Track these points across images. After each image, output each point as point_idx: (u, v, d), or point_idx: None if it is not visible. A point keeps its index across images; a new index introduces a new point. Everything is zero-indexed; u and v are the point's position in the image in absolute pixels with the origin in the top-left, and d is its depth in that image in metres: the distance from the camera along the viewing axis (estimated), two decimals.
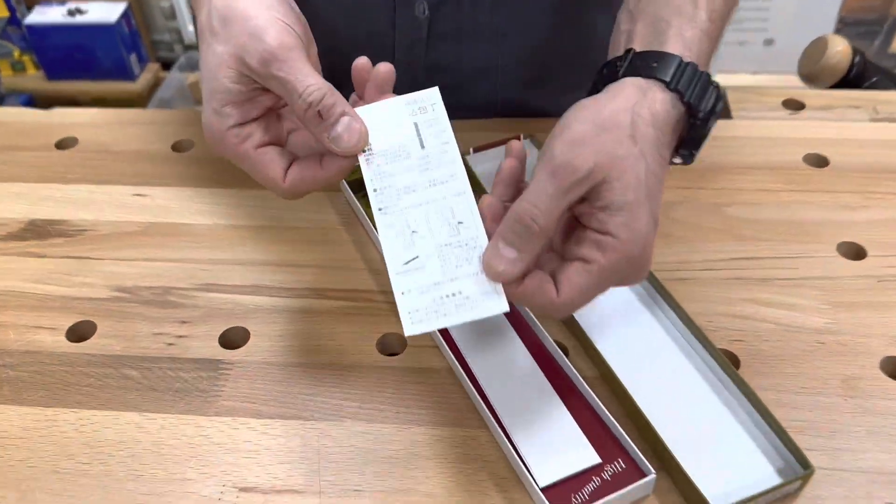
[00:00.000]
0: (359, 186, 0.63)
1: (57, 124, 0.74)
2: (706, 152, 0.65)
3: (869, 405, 0.48)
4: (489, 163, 0.65)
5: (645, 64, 0.44)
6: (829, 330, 0.52)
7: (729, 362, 0.49)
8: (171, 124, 0.73)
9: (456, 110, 0.69)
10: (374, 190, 0.43)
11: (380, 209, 0.42)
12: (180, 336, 0.54)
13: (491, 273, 0.40)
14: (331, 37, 0.66)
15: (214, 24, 0.44)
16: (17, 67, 2.19)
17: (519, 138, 0.65)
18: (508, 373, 0.49)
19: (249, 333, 0.54)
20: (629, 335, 0.52)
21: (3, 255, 0.61)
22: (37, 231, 0.63)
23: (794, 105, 0.71)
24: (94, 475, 0.46)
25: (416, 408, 0.49)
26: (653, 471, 0.43)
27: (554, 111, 0.71)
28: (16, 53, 2.17)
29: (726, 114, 0.72)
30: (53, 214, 0.64)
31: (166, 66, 2.32)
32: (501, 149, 0.65)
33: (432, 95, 0.45)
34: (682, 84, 0.43)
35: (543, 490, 0.43)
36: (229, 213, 0.63)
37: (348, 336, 0.54)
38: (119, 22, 2.07)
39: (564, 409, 0.47)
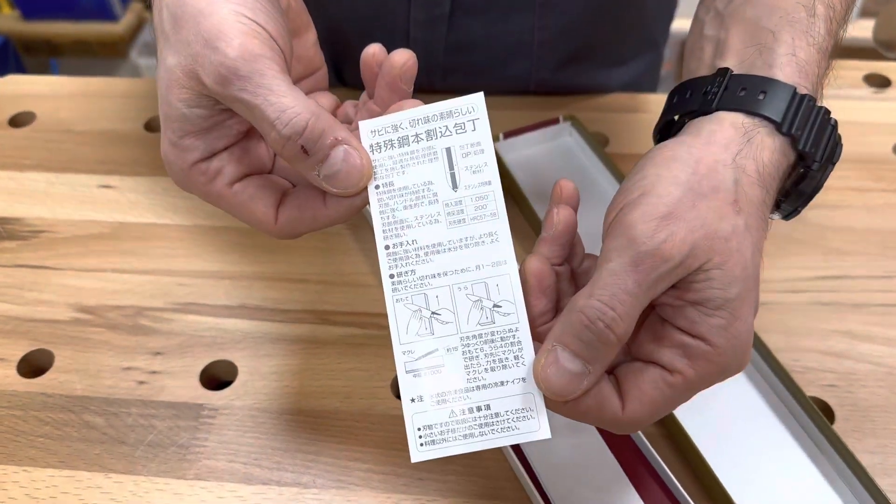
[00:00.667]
0: None
1: (10, 95, 0.63)
2: None
3: None
4: (519, 151, 0.55)
5: (748, 95, 0.32)
6: None
7: (821, 414, 0.40)
8: (146, 97, 0.62)
9: (483, 90, 0.59)
10: (386, 247, 0.32)
11: (391, 276, 0.31)
12: (154, 372, 0.45)
13: (547, 390, 0.29)
14: (335, 15, 0.56)
15: (166, 26, 0.32)
16: None
17: (558, 121, 0.55)
18: (561, 436, 0.40)
19: (237, 369, 0.45)
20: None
21: None
22: None
23: (878, 81, 0.60)
24: None
25: (441, 473, 0.40)
26: None
27: (594, 88, 0.60)
28: None
29: None
30: (5, 210, 0.54)
31: (150, 5, 2.17)
32: (535, 133, 0.55)
33: (475, 104, 0.33)
34: (798, 125, 0.31)
35: None
36: (213, 211, 0.53)
37: (357, 374, 0.44)
38: None
39: (631, 487, 0.38)
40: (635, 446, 0.39)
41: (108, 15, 2.00)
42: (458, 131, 0.32)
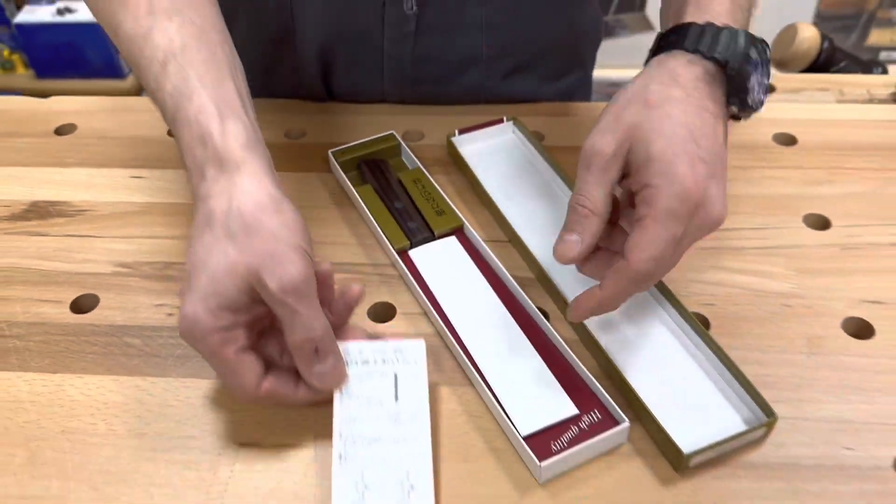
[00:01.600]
0: (349, 166, 0.65)
1: (55, 111, 0.76)
2: None
3: (830, 361, 0.51)
4: (473, 144, 0.68)
5: (666, 42, 0.49)
6: (794, 294, 0.55)
7: (700, 324, 0.52)
8: None
9: (442, 98, 0.73)
10: (340, 434, 0.44)
11: (340, 456, 0.44)
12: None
13: (561, 257, 0.46)
14: (323, 32, 0.69)
15: (233, 226, 0.43)
16: (7, 66, 2.20)
17: (503, 120, 0.68)
18: (494, 336, 0.52)
19: None
20: None
21: (6, 234, 0.63)
22: (39, 212, 0.65)
23: None
24: (101, 434, 0.49)
25: None
26: (626, 419, 0.46)
27: (538, 98, 0.74)
28: (5, 52, 2.18)
29: None
30: (54, 196, 0.67)
31: None
32: (484, 130, 0.68)
33: (418, 349, 0.47)
34: (703, 44, 0.47)
35: (525, 439, 0.45)
36: None
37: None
38: None
39: (545, 366, 0.50)
40: (552, 344, 0.51)
41: (115, 73, 2.16)
42: (405, 364, 0.47)
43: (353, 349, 0.47)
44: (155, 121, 0.74)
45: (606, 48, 0.82)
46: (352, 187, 0.63)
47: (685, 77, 0.47)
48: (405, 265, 0.57)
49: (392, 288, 0.57)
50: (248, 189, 0.44)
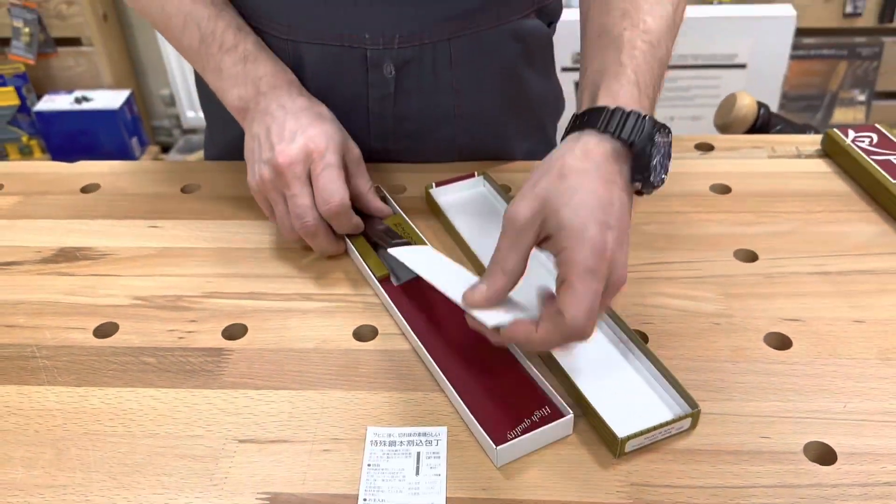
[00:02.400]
0: None
1: (81, 173, 0.87)
2: None
3: (752, 368, 0.59)
4: (448, 196, 0.77)
5: (578, 122, 0.55)
6: (722, 314, 0.64)
7: (639, 338, 0.60)
8: (180, 172, 0.86)
9: (421, 153, 0.83)
10: (364, 500, 0.51)
11: None
12: (190, 331, 0.65)
13: (468, 299, 0.53)
14: (318, 92, 0.80)
15: (326, 117, 0.71)
16: (25, 151, 2.34)
17: (474, 175, 0.78)
18: (460, 349, 0.60)
19: (247, 328, 0.65)
20: None
21: (38, 274, 0.72)
22: (66, 256, 0.74)
23: (705, 147, 0.84)
24: (120, 434, 0.57)
25: (384, 378, 0.60)
26: (570, 412, 0.54)
27: (506, 153, 0.84)
28: (24, 138, 2.33)
29: None
30: (80, 243, 0.76)
31: (165, 149, 2.48)
32: (458, 184, 0.78)
33: (441, 433, 0.55)
34: (610, 125, 0.53)
35: (484, 428, 0.53)
36: (231, 240, 0.75)
37: (330, 328, 0.65)
38: (122, 108, 2.23)
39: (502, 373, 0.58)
40: (509, 353, 0.59)
41: (127, 157, 2.29)
42: (427, 444, 0.55)
43: (382, 433, 0.55)
44: (169, 180, 0.84)
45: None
46: (348, 241, 0.72)
47: (595, 152, 0.52)
48: (385, 291, 0.65)
49: (374, 313, 0.66)
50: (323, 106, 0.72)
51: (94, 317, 0.67)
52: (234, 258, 0.73)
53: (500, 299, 0.53)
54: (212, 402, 0.59)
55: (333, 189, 0.65)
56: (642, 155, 0.53)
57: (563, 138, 0.57)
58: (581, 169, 0.52)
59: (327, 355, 0.62)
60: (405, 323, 0.63)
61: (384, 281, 0.67)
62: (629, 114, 0.53)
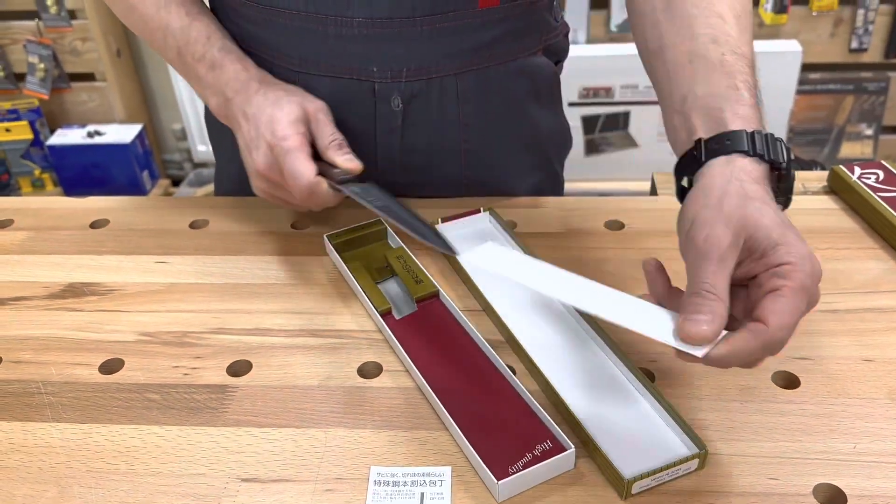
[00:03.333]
0: (343, 248, 0.75)
1: (91, 209, 0.87)
2: (635, 220, 0.79)
3: (760, 408, 0.59)
4: (455, 231, 0.77)
5: (720, 146, 0.53)
6: None
7: (644, 375, 0.60)
8: (189, 207, 0.86)
9: (427, 187, 0.83)
10: None
11: None
12: (194, 367, 0.65)
13: (695, 336, 0.47)
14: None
15: (279, 92, 0.71)
16: (37, 184, 2.37)
17: (479, 211, 0.78)
18: (461, 383, 0.60)
19: (252, 365, 0.65)
20: (569, 359, 0.63)
21: (46, 309, 0.72)
22: (74, 291, 0.75)
23: None
24: (122, 472, 0.56)
25: (388, 416, 0.60)
26: (571, 446, 0.53)
27: (514, 190, 0.85)
28: (36, 172, 2.35)
29: (653, 191, 0.86)
30: (88, 278, 0.76)
31: (176, 182, 2.50)
32: (465, 219, 0.78)
33: (444, 474, 0.54)
34: (758, 148, 0.52)
35: (486, 463, 0.53)
36: (237, 276, 0.75)
37: (334, 364, 0.64)
38: (134, 142, 2.26)
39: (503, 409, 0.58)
40: (515, 392, 0.59)
41: (139, 191, 2.31)
42: (431, 484, 0.55)
43: (385, 472, 0.55)
44: (177, 215, 0.85)
45: (594, 162, 0.94)
46: (343, 264, 0.72)
47: (757, 175, 0.52)
48: (387, 326, 0.66)
49: (379, 350, 0.66)
50: (283, 82, 0.74)
51: (99, 353, 0.67)
52: (240, 294, 0.73)
53: (722, 327, 0.48)
54: (215, 440, 0.59)
55: (297, 172, 0.67)
56: (789, 176, 0.54)
57: (704, 159, 0.54)
58: (759, 191, 0.51)
59: (331, 393, 0.62)
60: (407, 358, 0.62)
61: (386, 315, 0.67)
62: (768, 136, 0.53)
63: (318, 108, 0.70)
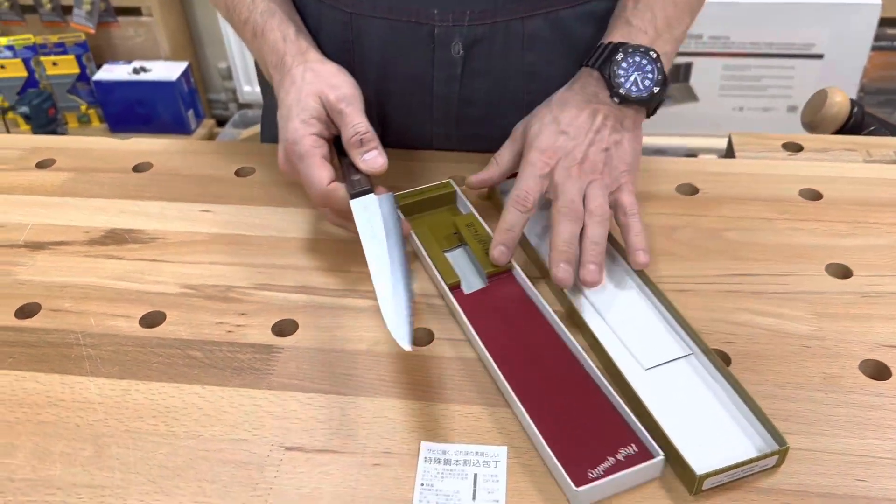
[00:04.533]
0: (409, 210, 0.70)
1: (134, 151, 0.84)
2: (709, 185, 0.73)
3: (846, 399, 0.54)
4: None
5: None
6: (814, 336, 0.58)
7: (719, 359, 0.55)
8: (235, 154, 0.83)
9: (484, 141, 0.78)
10: None
11: None
12: (239, 325, 0.62)
13: (468, 183, 0.71)
14: (380, 75, 0.76)
15: (308, 75, 0.65)
16: (83, 120, 2.36)
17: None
18: (536, 368, 0.55)
19: (298, 325, 0.62)
20: (636, 337, 0.58)
21: (86, 256, 0.70)
22: (116, 238, 0.72)
23: (793, 147, 0.78)
24: (161, 434, 0.54)
25: (440, 387, 0.56)
26: (661, 453, 0.49)
27: None
28: (82, 107, 2.34)
29: (730, 153, 0.79)
30: (130, 225, 0.73)
31: (221, 122, 2.47)
32: None
33: (500, 454, 0.51)
34: (591, 59, 0.67)
35: (562, 464, 0.48)
36: (283, 229, 0.72)
37: (383, 329, 0.61)
38: (179, 80, 2.23)
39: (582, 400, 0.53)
40: (591, 380, 0.55)
41: (183, 129, 2.29)
42: (485, 465, 0.50)
43: (436, 449, 0.51)
44: (223, 162, 0.81)
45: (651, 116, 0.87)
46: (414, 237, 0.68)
47: (578, 82, 0.68)
48: (456, 300, 0.61)
49: (435, 316, 0.62)
50: (316, 58, 0.67)
51: (141, 304, 0.65)
52: (286, 248, 0.69)
53: (493, 182, 0.70)
54: (258, 404, 0.56)
55: (309, 179, 0.62)
56: (609, 75, 0.65)
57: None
58: (562, 97, 0.68)
59: (380, 359, 0.58)
60: (473, 332, 0.58)
61: (454, 289, 0.62)
62: (605, 46, 0.66)
63: (340, 98, 0.63)
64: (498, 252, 0.63)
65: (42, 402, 0.56)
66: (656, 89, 0.65)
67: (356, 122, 0.62)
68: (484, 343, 0.57)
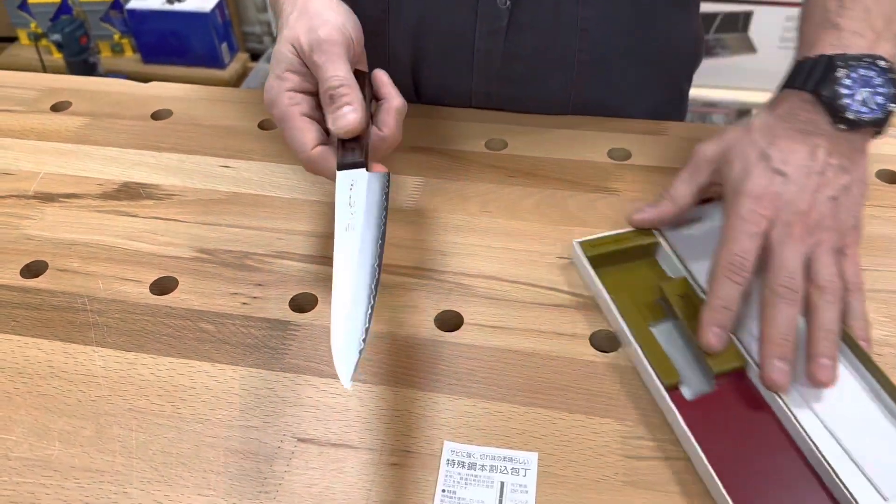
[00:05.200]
0: (599, 262, 0.57)
1: (153, 96, 0.79)
2: None
3: None
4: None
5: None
6: (887, 342, 0.52)
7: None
8: (259, 104, 0.77)
9: (528, 101, 0.72)
10: None
11: None
12: (254, 297, 0.58)
13: (629, 218, 0.58)
14: (418, 27, 0.69)
15: (291, 18, 0.54)
16: (116, 49, 2.31)
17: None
18: (765, 480, 0.45)
19: (317, 300, 0.57)
20: (871, 454, 0.45)
21: (97, 211, 0.65)
22: (129, 192, 0.67)
23: None
24: (167, 415, 0.50)
25: (468, 380, 0.51)
26: None
27: (627, 110, 0.72)
28: (116, 36, 2.29)
29: None
30: (146, 178, 0.69)
31: (255, 56, 2.41)
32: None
33: (530, 459, 0.46)
34: (799, 80, 0.53)
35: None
36: (306, 189, 0.67)
37: (408, 310, 0.56)
38: (213, 11, 2.16)
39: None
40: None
41: (217, 63, 2.23)
42: (513, 472, 0.45)
43: (460, 451, 0.47)
44: (247, 112, 0.76)
45: (705, 67, 0.80)
46: (598, 283, 0.54)
47: (782, 106, 0.53)
48: (673, 404, 0.47)
49: (463, 296, 0.57)
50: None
51: (151, 268, 0.60)
52: (309, 213, 0.65)
53: (662, 224, 0.58)
54: (271, 387, 0.51)
55: (291, 145, 0.53)
56: (830, 96, 0.51)
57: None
58: (764, 125, 0.53)
59: (403, 344, 0.54)
60: (696, 447, 0.45)
61: (672, 390, 0.48)
62: (815, 60, 0.52)
63: (314, 44, 0.51)
64: (713, 336, 0.48)
65: (44, 373, 0.53)
66: (892, 106, 0.51)
67: (329, 75, 0.51)
68: (711, 464, 0.44)
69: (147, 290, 0.59)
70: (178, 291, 0.58)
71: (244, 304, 0.57)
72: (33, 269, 0.61)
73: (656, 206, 0.57)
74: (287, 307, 0.57)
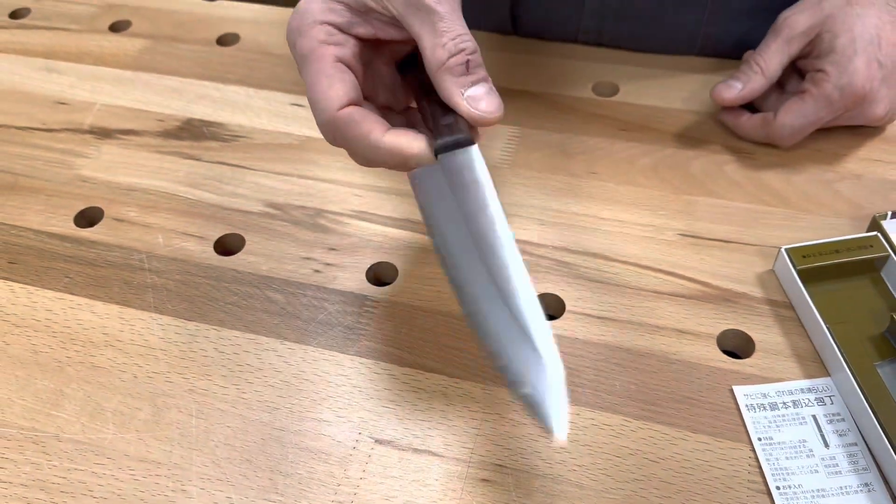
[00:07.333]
0: (811, 276, 0.45)
1: (219, 18, 0.71)
2: None
3: None
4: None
5: None
6: None
7: None
8: None
9: (651, 41, 0.62)
10: (777, 488, 0.38)
11: None
12: (328, 264, 0.51)
13: (717, 95, 0.53)
14: None
15: None
16: None
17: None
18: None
19: (398, 271, 0.50)
20: None
21: (158, 151, 0.59)
22: (193, 131, 0.61)
23: None
24: (231, 401, 0.45)
25: (570, 385, 0.44)
26: None
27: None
28: None
29: None
30: (210, 115, 0.62)
31: None
32: None
33: (830, 385, 0.42)
34: None
35: None
36: None
37: None
38: None
39: None
40: None
41: None
42: (819, 403, 0.41)
43: (749, 391, 0.42)
44: None
45: None
46: (809, 301, 0.44)
47: None
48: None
49: (559, 276, 0.49)
50: None
51: (216, 223, 0.54)
52: None
53: (754, 97, 0.54)
54: (346, 374, 0.45)
55: (311, 96, 0.38)
56: None
57: None
58: (870, 1, 0.50)
59: None
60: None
61: None
62: None
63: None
64: None
65: (98, 341, 0.48)
66: None
67: (459, 32, 0.36)
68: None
69: (211, 249, 0.53)
70: (244, 252, 0.52)
71: (316, 271, 0.51)
72: (88, 217, 0.55)
73: (745, 80, 0.53)
74: (363, 278, 0.50)
